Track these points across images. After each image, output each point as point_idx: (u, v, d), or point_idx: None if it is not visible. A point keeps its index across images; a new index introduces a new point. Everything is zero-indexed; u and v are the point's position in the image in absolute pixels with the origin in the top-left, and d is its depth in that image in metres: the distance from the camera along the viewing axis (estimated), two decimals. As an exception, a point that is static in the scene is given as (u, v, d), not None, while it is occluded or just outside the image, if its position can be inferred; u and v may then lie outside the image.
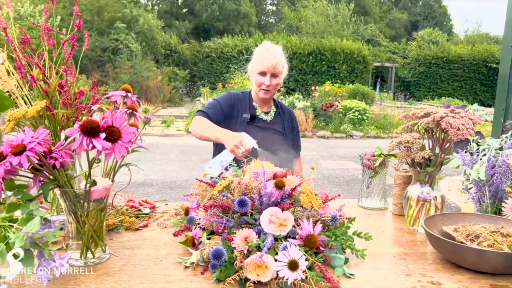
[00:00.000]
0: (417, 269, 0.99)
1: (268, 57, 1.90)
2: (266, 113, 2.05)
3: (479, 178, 1.22)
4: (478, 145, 1.36)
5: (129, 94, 1.10)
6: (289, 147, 2.01)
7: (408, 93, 21.26)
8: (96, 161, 0.95)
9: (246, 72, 2.10)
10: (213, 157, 1.96)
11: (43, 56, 1.07)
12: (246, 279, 0.86)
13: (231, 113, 1.98)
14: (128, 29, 15.68)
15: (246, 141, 1.65)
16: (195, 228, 1.04)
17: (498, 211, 1.21)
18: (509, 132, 1.38)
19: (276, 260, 0.86)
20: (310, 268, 0.87)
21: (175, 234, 1.07)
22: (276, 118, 2.07)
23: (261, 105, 2.05)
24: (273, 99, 2.12)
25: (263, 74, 1.93)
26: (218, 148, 2.00)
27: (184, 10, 26.22)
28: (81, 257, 0.97)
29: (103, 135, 0.84)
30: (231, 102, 2.00)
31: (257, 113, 2.01)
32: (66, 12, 12.85)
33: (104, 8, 15.54)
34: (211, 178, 1.30)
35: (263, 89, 1.94)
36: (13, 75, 1.09)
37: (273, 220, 0.96)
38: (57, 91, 1.05)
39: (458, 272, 0.98)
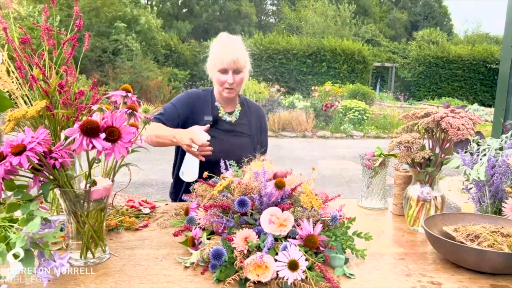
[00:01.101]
0: (417, 269, 0.99)
1: (227, 52, 1.70)
2: (230, 113, 1.85)
3: (479, 178, 1.22)
4: (478, 145, 1.36)
5: (129, 94, 1.10)
6: (255, 149, 1.80)
7: (408, 93, 21.26)
8: (96, 161, 0.95)
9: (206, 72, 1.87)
10: (176, 159, 1.84)
11: (43, 56, 1.07)
12: (246, 279, 0.86)
13: (192, 116, 1.79)
14: (128, 28, 15.69)
15: (198, 136, 1.50)
16: (195, 228, 1.04)
17: (498, 211, 1.21)
18: (509, 132, 1.38)
19: (276, 260, 0.86)
20: (310, 268, 0.87)
21: (175, 234, 1.07)
22: (242, 118, 1.87)
23: (225, 105, 1.85)
24: (239, 96, 1.92)
25: (224, 71, 1.73)
26: (180, 150, 1.83)
27: (184, 10, 26.22)
28: (81, 257, 0.97)
29: (103, 135, 0.84)
30: (189, 103, 1.80)
31: (220, 114, 1.82)
32: (64, 14, 12.84)
33: (103, 9, 15.53)
34: (188, 183, 1.18)
35: (227, 88, 1.75)
36: (14, 74, 1.09)
37: (273, 220, 0.96)
38: (57, 91, 1.05)
39: (458, 272, 0.98)
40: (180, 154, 1.83)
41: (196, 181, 1.27)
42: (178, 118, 1.76)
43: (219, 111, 1.82)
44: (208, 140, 1.51)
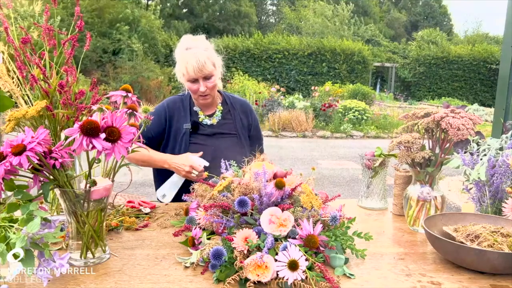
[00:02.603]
0: (417, 269, 0.99)
1: (191, 60, 1.60)
2: (211, 115, 1.78)
3: (479, 178, 1.22)
4: (478, 145, 1.36)
5: (129, 94, 1.10)
6: (244, 147, 1.79)
7: (408, 93, 21.26)
8: (96, 161, 0.95)
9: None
10: (156, 179, 1.81)
11: (43, 56, 1.07)
12: (246, 279, 0.86)
13: (171, 125, 1.73)
14: (129, 29, 15.69)
15: (195, 163, 1.55)
16: (195, 228, 1.04)
17: (498, 211, 1.21)
18: (509, 132, 1.38)
19: (276, 260, 0.86)
20: (310, 268, 0.87)
21: (175, 234, 1.07)
22: (225, 118, 1.79)
23: (204, 109, 1.78)
24: (221, 94, 1.85)
25: (193, 81, 1.65)
26: (157, 173, 1.80)
27: (184, 10, 26.22)
28: (81, 257, 0.97)
29: (103, 135, 0.84)
30: (166, 114, 1.73)
31: (200, 119, 1.75)
32: (66, 13, 12.85)
33: (105, 10, 15.54)
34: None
35: (201, 95, 1.68)
36: (15, 73, 1.09)
37: (273, 220, 0.96)
38: (58, 91, 1.05)
39: (458, 272, 0.98)
40: (157, 176, 1.79)
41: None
42: (152, 135, 1.72)
43: (199, 116, 1.76)
44: (204, 166, 1.56)
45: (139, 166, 1.57)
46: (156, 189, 1.73)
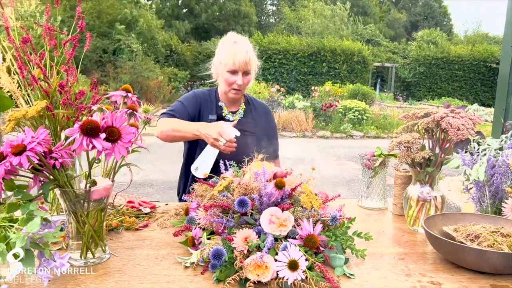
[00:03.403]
0: (417, 269, 0.99)
1: (239, 53, 1.68)
2: (234, 112, 1.84)
3: (479, 178, 1.22)
4: (478, 145, 1.36)
5: (129, 94, 1.10)
6: (262, 148, 1.76)
7: (408, 93, 21.26)
8: (96, 161, 0.95)
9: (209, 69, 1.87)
10: (189, 157, 1.80)
11: (44, 56, 1.07)
12: (246, 279, 0.86)
13: (197, 114, 1.80)
14: (128, 29, 15.70)
15: (226, 131, 1.49)
16: (195, 228, 1.04)
17: (498, 211, 1.21)
18: (509, 132, 1.38)
19: (276, 260, 0.86)
20: (310, 268, 0.87)
21: (175, 234, 1.07)
22: (246, 117, 1.85)
23: (229, 105, 1.85)
24: (244, 95, 1.91)
25: (234, 72, 1.71)
26: (190, 146, 1.82)
27: (184, 10, 26.22)
28: (81, 257, 0.97)
29: (103, 135, 0.84)
30: (196, 102, 1.80)
31: (223, 114, 1.82)
32: (66, 15, 12.86)
33: (104, 10, 15.56)
34: (199, 179, 1.18)
35: (234, 89, 1.75)
36: (15, 73, 1.09)
37: (273, 220, 0.96)
38: (58, 91, 1.05)
39: (458, 272, 0.98)
40: (198, 148, 1.79)
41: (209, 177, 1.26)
42: (188, 116, 1.75)
43: (223, 111, 1.82)
44: (235, 136, 1.51)
45: (171, 138, 1.64)
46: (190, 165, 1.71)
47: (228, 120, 1.79)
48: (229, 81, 1.73)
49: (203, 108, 1.80)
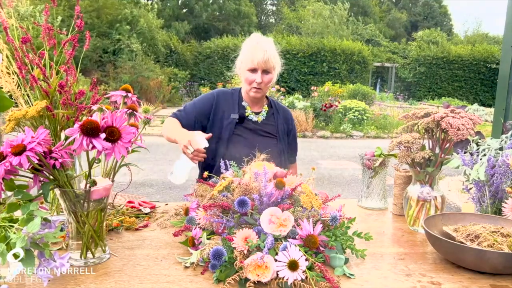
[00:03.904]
0: (417, 269, 0.99)
1: (258, 52, 1.72)
2: (257, 113, 1.86)
3: (479, 178, 1.22)
4: (478, 145, 1.36)
5: (129, 94, 1.10)
6: (282, 152, 1.84)
7: (408, 93, 21.26)
8: (96, 161, 0.95)
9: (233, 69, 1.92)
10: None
11: (43, 56, 1.07)
12: (246, 279, 0.86)
13: (214, 114, 1.81)
14: (129, 29, 15.70)
15: (196, 139, 1.51)
16: (195, 228, 1.04)
17: (498, 211, 1.21)
18: (509, 132, 1.38)
19: (276, 260, 0.86)
20: (310, 268, 0.87)
21: (175, 234, 1.07)
22: (269, 119, 1.87)
23: (252, 105, 1.87)
24: (267, 98, 1.94)
25: (253, 70, 1.75)
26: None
27: (184, 10, 26.21)
28: (81, 257, 0.97)
29: (103, 135, 0.84)
30: (213, 102, 1.82)
31: (246, 114, 1.84)
32: (66, 14, 12.86)
33: (104, 10, 15.55)
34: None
35: (255, 87, 1.77)
36: (15, 73, 1.09)
37: (273, 220, 0.96)
38: (58, 91, 1.05)
39: (458, 272, 0.98)
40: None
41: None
42: (195, 118, 1.80)
43: (246, 110, 1.85)
44: (204, 148, 1.52)
45: (168, 140, 1.71)
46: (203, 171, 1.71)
47: (251, 120, 1.83)
48: (249, 80, 1.77)
49: (224, 107, 1.83)
